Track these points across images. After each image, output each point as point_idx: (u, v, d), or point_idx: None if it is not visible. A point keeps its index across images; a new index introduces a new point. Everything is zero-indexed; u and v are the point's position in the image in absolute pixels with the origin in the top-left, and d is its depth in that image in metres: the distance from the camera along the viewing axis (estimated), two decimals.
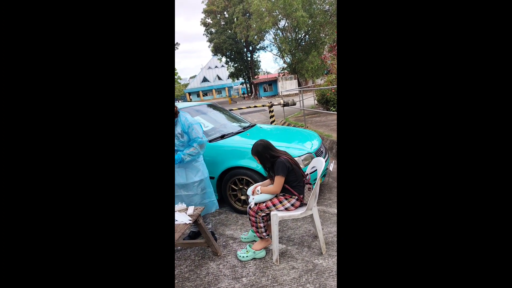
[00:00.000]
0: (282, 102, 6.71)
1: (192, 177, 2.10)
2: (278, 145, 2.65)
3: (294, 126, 6.59)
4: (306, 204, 1.85)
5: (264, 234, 1.92)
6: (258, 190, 1.91)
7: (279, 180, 1.79)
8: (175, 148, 2.10)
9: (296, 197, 1.85)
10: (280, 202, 1.85)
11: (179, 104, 3.44)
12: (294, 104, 6.70)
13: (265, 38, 21.57)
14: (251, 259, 1.91)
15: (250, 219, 1.93)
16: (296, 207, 1.87)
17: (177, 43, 28.15)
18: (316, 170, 2.14)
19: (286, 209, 1.85)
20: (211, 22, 27.01)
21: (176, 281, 1.80)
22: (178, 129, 2.03)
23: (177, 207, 1.98)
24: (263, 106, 6.54)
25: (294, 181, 1.84)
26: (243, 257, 1.92)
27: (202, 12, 27.02)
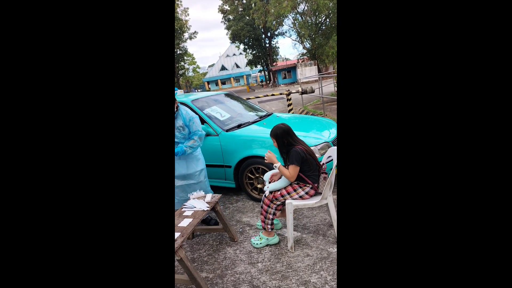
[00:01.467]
0: (300, 89, 6.59)
1: (194, 167, 2.20)
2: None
3: (312, 114, 6.48)
4: (321, 193, 1.86)
5: (269, 226, 1.95)
6: (275, 166, 1.88)
7: (292, 169, 1.81)
8: (177, 141, 2.18)
9: (310, 186, 1.86)
10: (295, 190, 1.87)
11: (198, 94, 3.51)
12: (313, 91, 6.56)
13: (283, 23, 20.96)
14: (265, 245, 1.97)
15: (262, 207, 1.96)
16: (311, 196, 1.88)
17: (195, 31, 28.16)
18: (332, 159, 2.13)
19: (301, 197, 1.87)
20: (229, 8, 26.66)
21: (195, 264, 1.90)
22: (179, 122, 2.13)
23: (196, 194, 2.06)
24: (281, 94, 6.47)
25: (308, 170, 1.85)
26: (257, 244, 1.98)
27: None
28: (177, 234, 1.58)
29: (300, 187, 1.87)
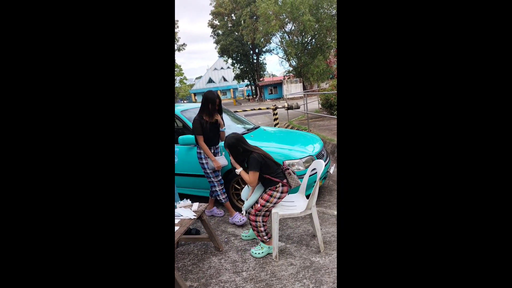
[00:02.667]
0: (286, 105, 6.80)
1: None
2: (281, 147, 2.75)
3: (297, 129, 6.67)
4: (294, 187, 1.96)
5: (265, 237, 1.99)
6: (237, 171, 1.96)
7: (252, 175, 1.88)
8: None
9: (280, 184, 1.92)
10: (271, 195, 1.92)
11: (187, 105, 3.55)
12: (298, 107, 6.79)
13: (271, 41, 21.70)
14: (267, 254, 1.99)
15: (251, 224, 2.00)
16: (286, 193, 1.95)
17: (184, 43, 28.47)
18: (316, 172, 2.23)
19: (280, 198, 1.93)
20: (219, 24, 27.29)
21: (180, 273, 1.89)
22: None
23: (182, 203, 2.08)
24: (268, 108, 6.64)
25: (271, 172, 1.92)
26: (258, 253, 1.99)
27: (210, 14, 27.33)
28: None
29: (274, 191, 1.93)
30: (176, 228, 1.75)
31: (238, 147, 1.93)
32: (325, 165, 2.63)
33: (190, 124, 2.89)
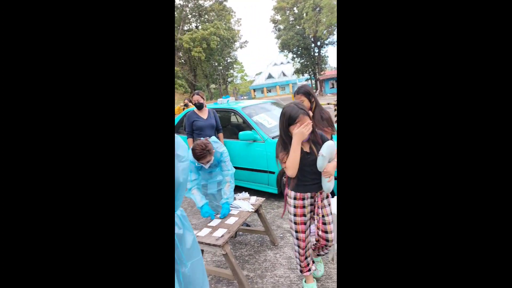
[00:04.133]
0: None
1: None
2: None
3: None
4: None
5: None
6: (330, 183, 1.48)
7: None
8: (205, 183, 2.16)
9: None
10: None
11: (247, 102, 3.69)
12: None
13: (334, 33, 20.67)
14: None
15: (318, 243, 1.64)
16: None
17: (245, 41, 29.40)
18: None
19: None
20: (280, 18, 27.23)
21: (237, 262, 2.01)
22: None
23: (241, 195, 2.19)
24: (328, 104, 6.38)
25: None
26: (319, 272, 1.78)
27: (272, 9, 27.47)
28: (224, 230, 1.71)
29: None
30: (236, 218, 1.86)
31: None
32: None
33: (250, 121, 3.00)
